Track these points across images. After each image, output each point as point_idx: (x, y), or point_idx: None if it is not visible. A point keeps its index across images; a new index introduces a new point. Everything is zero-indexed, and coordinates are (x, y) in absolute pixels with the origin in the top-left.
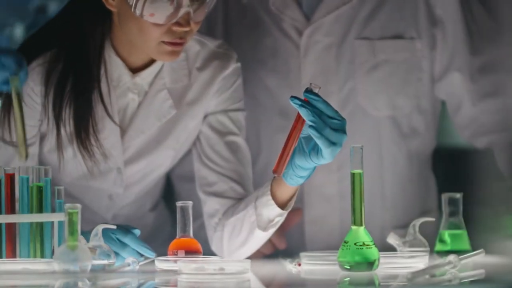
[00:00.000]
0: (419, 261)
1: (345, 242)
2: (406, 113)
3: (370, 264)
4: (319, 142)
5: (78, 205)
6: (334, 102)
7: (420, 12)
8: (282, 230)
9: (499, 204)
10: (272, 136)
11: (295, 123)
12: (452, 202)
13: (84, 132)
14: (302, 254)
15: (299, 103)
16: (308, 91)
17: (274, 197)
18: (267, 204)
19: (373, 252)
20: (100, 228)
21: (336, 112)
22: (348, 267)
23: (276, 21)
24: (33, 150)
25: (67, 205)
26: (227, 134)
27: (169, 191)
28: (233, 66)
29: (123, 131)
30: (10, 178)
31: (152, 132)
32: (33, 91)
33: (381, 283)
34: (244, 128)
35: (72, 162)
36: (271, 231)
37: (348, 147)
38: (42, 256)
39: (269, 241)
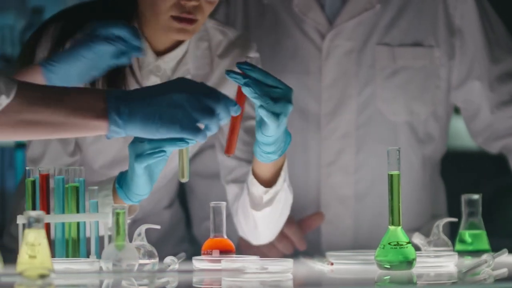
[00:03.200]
0: (446, 260)
1: (382, 241)
2: (422, 119)
3: (409, 263)
4: (262, 114)
5: (126, 205)
6: (353, 106)
7: (439, 21)
8: (302, 231)
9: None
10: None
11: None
12: (471, 203)
13: None
14: (328, 253)
15: (241, 79)
16: (243, 62)
17: (256, 175)
18: (252, 183)
19: (411, 251)
20: (143, 228)
21: (279, 80)
22: (388, 266)
23: (297, 22)
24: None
25: (115, 205)
26: (247, 119)
27: (182, 191)
28: (252, 55)
29: None
30: (46, 178)
31: None
32: None
33: (417, 282)
34: None
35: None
36: (268, 210)
37: (362, 151)
38: (78, 256)
39: (290, 241)
